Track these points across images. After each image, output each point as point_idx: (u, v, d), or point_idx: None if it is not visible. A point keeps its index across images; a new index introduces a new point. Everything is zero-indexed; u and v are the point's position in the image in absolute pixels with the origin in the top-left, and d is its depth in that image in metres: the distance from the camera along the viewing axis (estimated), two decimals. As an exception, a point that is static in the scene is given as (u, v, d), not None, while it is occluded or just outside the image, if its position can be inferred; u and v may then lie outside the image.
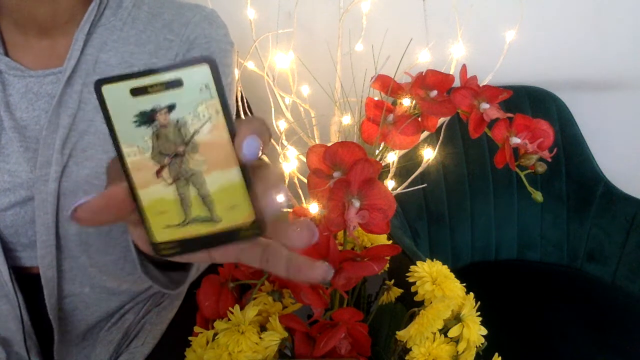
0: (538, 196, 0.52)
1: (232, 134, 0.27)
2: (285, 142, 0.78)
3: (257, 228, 0.28)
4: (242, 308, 0.53)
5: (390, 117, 0.56)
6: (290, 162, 0.76)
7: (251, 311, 0.52)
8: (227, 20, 0.66)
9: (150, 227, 0.28)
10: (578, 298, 1.15)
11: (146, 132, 0.26)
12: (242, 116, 0.82)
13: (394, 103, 0.57)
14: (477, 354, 0.55)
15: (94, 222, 0.27)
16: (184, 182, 0.27)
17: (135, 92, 0.26)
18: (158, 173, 0.27)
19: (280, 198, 0.28)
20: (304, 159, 0.53)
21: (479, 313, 0.56)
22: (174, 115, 0.26)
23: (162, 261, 0.48)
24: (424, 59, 0.83)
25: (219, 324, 0.52)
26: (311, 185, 0.49)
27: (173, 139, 0.27)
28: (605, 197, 1.27)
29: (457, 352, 0.53)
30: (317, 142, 0.85)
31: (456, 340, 0.54)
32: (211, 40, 0.62)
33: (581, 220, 1.30)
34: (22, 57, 0.58)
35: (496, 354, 0.56)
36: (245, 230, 0.28)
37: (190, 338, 0.54)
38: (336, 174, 0.49)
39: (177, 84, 0.26)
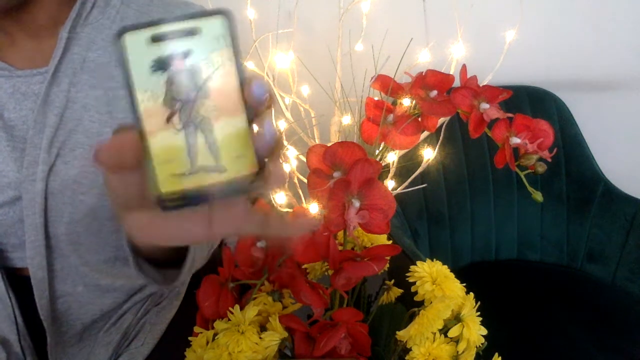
0: (538, 196, 0.52)
1: (242, 83, 0.28)
2: (285, 142, 0.78)
3: (261, 179, 0.29)
4: (242, 308, 0.53)
5: (390, 117, 0.56)
6: (290, 162, 0.76)
7: (251, 311, 0.52)
8: (227, 20, 0.66)
9: (156, 175, 0.28)
10: (578, 298, 1.15)
11: (161, 77, 0.27)
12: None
13: (394, 103, 0.57)
14: (477, 354, 0.55)
15: (114, 165, 0.28)
16: (193, 128, 0.28)
17: (155, 39, 0.27)
18: (169, 118, 0.28)
19: (272, 136, 0.28)
20: (304, 159, 0.53)
21: (479, 313, 0.56)
22: (188, 62, 0.27)
23: (156, 258, 0.48)
24: (424, 59, 0.83)
25: (219, 324, 0.52)
26: (311, 185, 0.49)
27: (186, 84, 0.28)
28: (605, 197, 1.27)
29: (457, 352, 0.53)
30: (317, 142, 0.85)
31: (456, 340, 0.54)
32: None
33: (581, 220, 1.30)
34: (9, 57, 0.57)
35: (496, 354, 0.56)
36: (250, 183, 0.29)
37: (190, 338, 0.54)
38: (336, 174, 0.49)
39: (194, 32, 0.27)
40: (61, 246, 0.58)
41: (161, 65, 0.27)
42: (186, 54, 0.27)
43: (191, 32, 0.27)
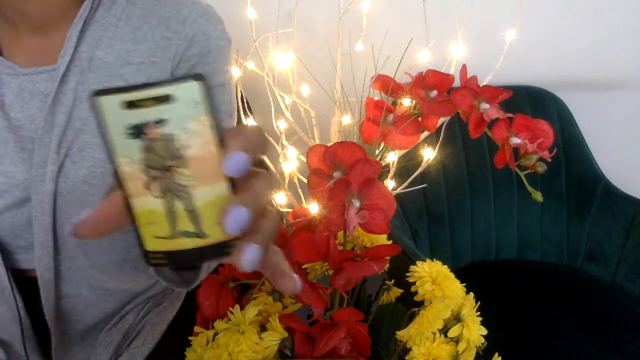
0: (538, 196, 0.52)
1: (223, 149, 0.27)
2: (285, 142, 0.78)
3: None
4: (242, 308, 0.53)
5: (390, 117, 0.56)
6: (290, 162, 0.76)
7: (251, 311, 0.52)
8: (227, 20, 0.66)
9: (141, 235, 0.28)
10: (578, 298, 1.15)
11: (136, 144, 0.26)
12: (242, 116, 0.82)
13: (394, 103, 0.57)
14: (477, 354, 0.55)
15: (96, 235, 0.28)
16: (172, 196, 0.27)
17: (128, 105, 0.26)
18: (147, 186, 0.27)
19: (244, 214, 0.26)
20: (304, 159, 0.53)
21: (479, 313, 0.56)
22: (163, 130, 0.26)
23: None
24: (424, 59, 0.83)
25: (219, 324, 0.52)
26: (311, 185, 0.49)
27: (162, 153, 0.27)
28: (605, 197, 1.27)
29: (457, 352, 0.53)
30: (317, 142, 0.85)
31: (456, 340, 0.54)
32: (209, 37, 0.61)
33: (581, 220, 1.30)
34: (14, 55, 0.57)
35: (496, 354, 0.56)
36: (232, 245, 0.28)
37: (190, 338, 0.54)
38: (336, 174, 0.49)
39: (167, 99, 0.26)
40: (69, 247, 0.58)
41: (136, 132, 0.26)
42: (160, 122, 0.26)
43: (164, 99, 0.26)
